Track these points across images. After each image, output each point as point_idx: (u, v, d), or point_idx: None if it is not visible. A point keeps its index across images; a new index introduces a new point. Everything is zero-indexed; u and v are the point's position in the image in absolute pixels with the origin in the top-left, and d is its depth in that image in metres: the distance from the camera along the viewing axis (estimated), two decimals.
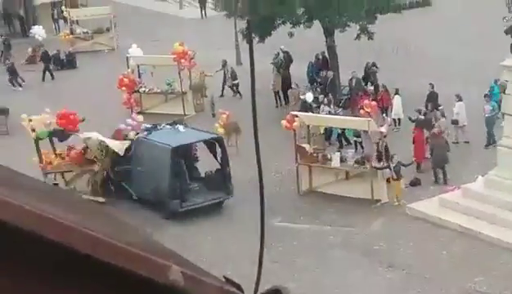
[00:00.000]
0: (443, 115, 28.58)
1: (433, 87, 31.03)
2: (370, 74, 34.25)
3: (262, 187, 3.02)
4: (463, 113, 29.13)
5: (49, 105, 36.12)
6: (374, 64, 34.61)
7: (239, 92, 36.32)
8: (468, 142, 29.05)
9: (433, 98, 30.54)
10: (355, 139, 28.14)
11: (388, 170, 24.84)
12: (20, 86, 40.36)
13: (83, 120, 27.19)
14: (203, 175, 26.22)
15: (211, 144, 26.12)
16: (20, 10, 54.49)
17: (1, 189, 2.31)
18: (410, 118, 29.26)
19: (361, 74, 34.38)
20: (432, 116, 28.59)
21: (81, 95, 37.33)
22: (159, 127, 26.67)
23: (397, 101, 30.91)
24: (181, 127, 26.77)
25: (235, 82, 36.56)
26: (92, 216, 2.98)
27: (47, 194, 3.04)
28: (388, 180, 25.02)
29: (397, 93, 31.16)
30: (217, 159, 25.93)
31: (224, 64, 37.51)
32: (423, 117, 28.24)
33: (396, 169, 24.85)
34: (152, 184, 24.71)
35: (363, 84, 33.78)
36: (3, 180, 2.71)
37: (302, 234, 23.41)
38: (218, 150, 25.80)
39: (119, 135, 26.74)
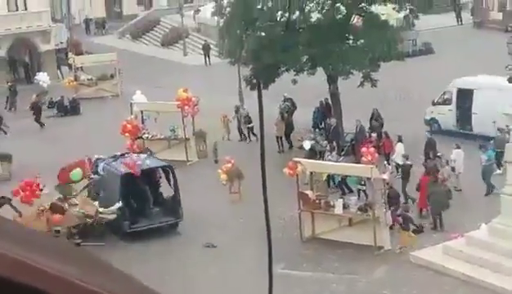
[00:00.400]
0: (447, 163, 28.61)
1: (431, 134, 31.15)
2: (374, 127, 34.10)
3: (269, 232, 3.02)
4: (460, 161, 29.15)
5: (52, 151, 36.24)
6: (377, 119, 34.36)
7: (255, 135, 36.22)
8: (460, 190, 28.95)
9: (431, 145, 30.61)
10: (359, 187, 28.00)
11: (389, 215, 24.75)
12: (6, 133, 40.33)
13: (43, 189, 27.14)
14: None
15: (166, 173, 27.97)
16: (25, 56, 54.94)
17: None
18: (397, 164, 29.41)
19: (366, 121, 34.40)
20: (435, 163, 28.62)
21: (84, 141, 37.43)
22: (126, 155, 28.72)
23: (399, 148, 30.91)
24: (142, 156, 28.96)
25: (250, 125, 36.53)
26: (91, 268, 2.93)
27: (50, 248, 3.00)
28: (391, 227, 24.92)
29: (399, 140, 31.17)
30: (170, 186, 27.70)
31: (237, 109, 37.54)
32: (409, 162, 28.48)
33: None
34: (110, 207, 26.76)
35: (367, 132, 33.70)
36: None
37: (304, 282, 23.23)
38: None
39: (63, 176, 27.07)
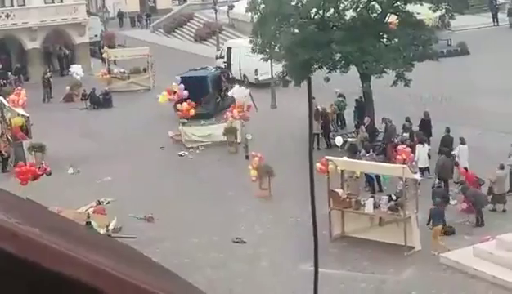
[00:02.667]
0: (502, 167, 27.85)
1: (448, 131, 30.77)
2: (406, 127, 33.51)
3: (315, 230, 3.07)
4: (464, 156, 29.04)
5: (84, 143, 36.52)
6: (407, 119, 33.82)
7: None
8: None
9: (447, 142, 30.34)
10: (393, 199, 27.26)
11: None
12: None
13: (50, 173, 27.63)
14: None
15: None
16: (59, 49, 55.32)
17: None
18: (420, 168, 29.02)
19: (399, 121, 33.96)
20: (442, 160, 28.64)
21: (116, 134, 37.74)
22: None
23: (419, 151, 30.31)
24: (209, 67, 44.80)
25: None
26: (133, 263, 2.95)
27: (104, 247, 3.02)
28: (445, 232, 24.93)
29: (420, 142, 30.65)
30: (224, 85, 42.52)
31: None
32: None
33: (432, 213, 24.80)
34: None
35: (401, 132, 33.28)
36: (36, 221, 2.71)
37: (333, 280, 23.13)
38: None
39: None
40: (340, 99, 37.59)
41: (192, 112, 37.25)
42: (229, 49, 50.55)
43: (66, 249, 2.23)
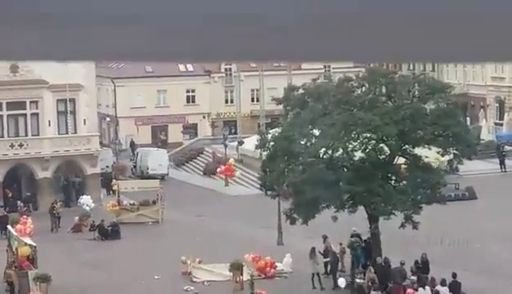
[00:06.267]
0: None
1: (454, 277, 30.52)
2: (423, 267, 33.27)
3: None
4: None
5: (91, 275, 36.32)
6: (416, 262, 33.58)
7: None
8: None
9: (454, 288, 30.09)
10: None
11: None
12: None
13: None
14: None
15: None
16: (70, 179, 55.64)
17: None
18: None
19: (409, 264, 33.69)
20: None
21: (122, 267, 37.55)
22: None
23: None
24: None
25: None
26: None
27: None
28: None
29: (422, 286, 30.32)
30: None
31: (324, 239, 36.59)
32: None
33: None
34: None
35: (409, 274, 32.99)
36: None
37: None
38: None
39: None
40: (353, 239, 36.89)
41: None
42: (137, 153, 69.41)
43: None
